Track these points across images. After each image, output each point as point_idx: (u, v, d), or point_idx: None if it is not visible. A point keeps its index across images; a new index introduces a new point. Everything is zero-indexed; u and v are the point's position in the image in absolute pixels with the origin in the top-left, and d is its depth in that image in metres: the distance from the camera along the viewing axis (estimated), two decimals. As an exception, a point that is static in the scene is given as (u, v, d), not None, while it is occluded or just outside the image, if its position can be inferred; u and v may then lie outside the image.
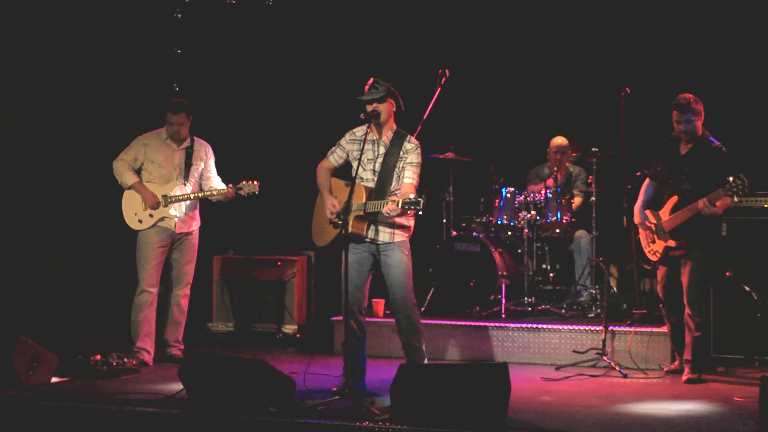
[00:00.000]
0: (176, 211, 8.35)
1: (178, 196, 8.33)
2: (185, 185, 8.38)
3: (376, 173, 7.21)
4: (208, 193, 8.38)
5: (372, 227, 7.19)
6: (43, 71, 10.74)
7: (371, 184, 7.21)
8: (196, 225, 8.53)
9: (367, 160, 7.24)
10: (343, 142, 7.39)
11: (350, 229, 6.95)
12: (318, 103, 10.74)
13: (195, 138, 8.54)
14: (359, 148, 7.21)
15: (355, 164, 7.22)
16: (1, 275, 10.48)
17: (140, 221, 8.34)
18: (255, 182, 8.32)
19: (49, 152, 10.88)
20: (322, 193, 7.41)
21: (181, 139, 8.40)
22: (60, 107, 10.85)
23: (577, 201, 9.78)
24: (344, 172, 7.45)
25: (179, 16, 10.29)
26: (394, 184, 7.20)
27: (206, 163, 8.52)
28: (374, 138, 7.26)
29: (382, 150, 7.24)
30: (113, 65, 10.78)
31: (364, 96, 7.16)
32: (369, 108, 7.15)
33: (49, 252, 10.88)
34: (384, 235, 7.19)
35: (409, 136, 7.29)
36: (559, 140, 9.97)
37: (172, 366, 7.82)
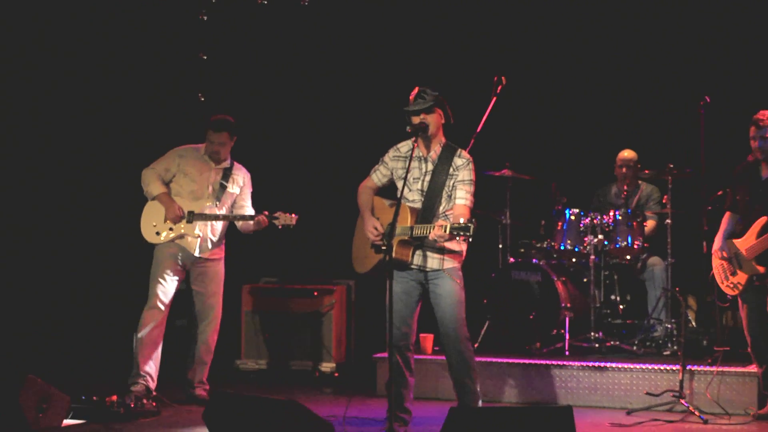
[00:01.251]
0: (200, 231, 8.35)
1: (206, 214, 8.33)
2: (215, 207, 8.39)
3: (424, 193, 7.16)
4: (239, 216, 8.38)
5: (419, 252, 7.14)
6: (53, 78, 10.85)
7: (418, 205, 7.16)
8: (220, 253, 8.52)
9: (413, 179, 7.19)
10: (386, 158, 7.35)
11: (394, 255, 6.91)
12: (358, 116, 10.76)
13: (235, 162, 8.57)
14: (404, 166, 7.17)
15: (399, 184, 7.20)
16: (7, 306, 10.54)
17: (157, 233, 8.35)
18: (293, 215, 8.35)
19: (60, 177, 10.97)
20: (363, 214, 7.37)
21: (219, 160, 8.43)
22: (78, 122, 10.96)
23: (650, 224, 9.68)
24: (388, 191, 7.42)
25: (205, 18, 10.32)
26: (443, 204, 7.14)
27: (243, 190, 8.55)
28: (421, 154, 7.21)
29: (429, 167, 7.19)
30: (133, 73, 10.86)
31: (410, 107, 7.13)
32: (415, 120, 7.11)
33: (59, 280, 10.95)
34: (432, 261, 7.13)
35: (459, 150, 7.24)
36: (626, 153, 9.89)
37: (196, 408, 7.81)
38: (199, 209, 8.34)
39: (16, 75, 10.63)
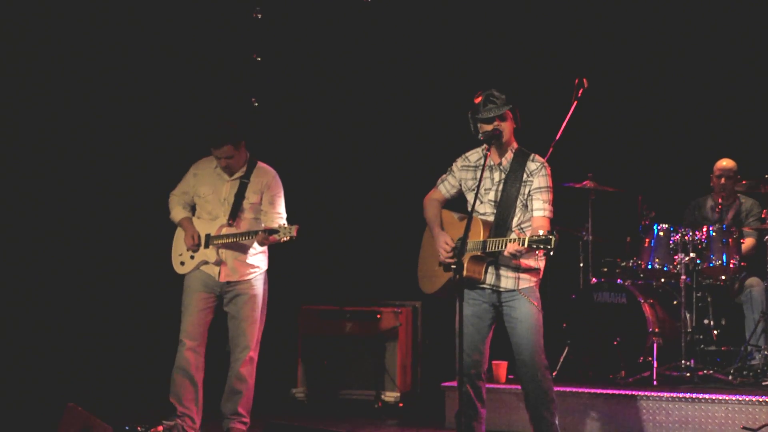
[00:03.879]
0: (221, 255, 8.31)
1: (222, 235, 8.28)
2: (231, 224, 8.33)
3: (496, 204, 7.14)
4: (249, 233, 8.23)
5: (491, 270, 7.11)
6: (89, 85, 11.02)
7: (490, 218, 7.13)
8: (254, 272, 8.42)
9: (485, 189, 7.16)
10: (454, 168, 7.34)
11: (465, 273, 6.91)
12: (421, 125, 10.79)
13: (259, 164, 8.48)
14: (474, 177, 7.15)
15: (470, 195, 7.18)
16: (49, 330, 10.69)
17: (182, 263, 8.41)
18: (294, 227, 8.09)
19: (114, 200, 11.13)
20: (431, 228, 7.36)
21: (234, 172, 8.40)
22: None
23: (748, 242, 9.61)
24: (456, 204, 7.41)
25: (259, 16, 10.41)
26: (518, 216, 7.10)
27: (265, 194, 8.39)
28: (492, 163, 7.19)
29: (501, 176, 7.15)
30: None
31: (481, 114, 7.09)
32: (488, 127, 7.10)
33: (104, 304, 11.07)
34: (507, 280, 7.12)
35: (533, 154, 7.18)
36: (725, 162, 9.83)
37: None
38: (215, 231, 8.32)
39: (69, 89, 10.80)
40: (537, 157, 7.18)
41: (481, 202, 7.15)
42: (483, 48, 10.64)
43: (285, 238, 8.08)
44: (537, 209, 7.08)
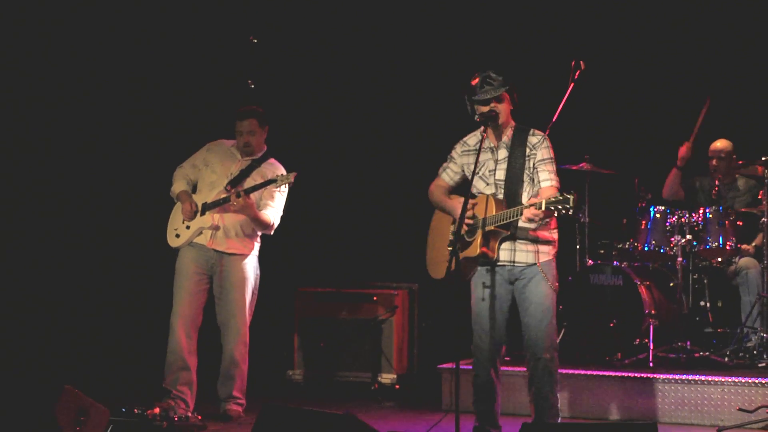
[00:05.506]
0: (215, 221, 8.31)
1: (216, 200, 8.30)
2: (230, 190, 8.29)
3: (503, 182, 7.08)
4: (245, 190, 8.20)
5: (507, 246, 7.03)
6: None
7: (500, 196, 7.07)
8: (243, 249, 8.42)
9: (489, 171, 7.14)
10: (454, 155, 7.33)
11: (480, 250, 6.88)
12: (420, 109, 10.77)
13: (272, 159, 8.56)
14: (475, 161, 7.12)
15: (475, 180, 7.14)
16: (45, 313, 10.70)
17: (177, 236, 8.44)
18: (291, 173, 8.13)
19: (105, 183, 11.13)
20: (443, 203, 7.25)
21: (250, 153, 8.46)
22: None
23: (759, 238, 9.47)
24: (461, 190, 7.34)
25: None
26: (527, 190, 7.07)
27: (269, 186, 8.37)
28: (491, 145, 7.18)
29: (504, 154, 7.14)
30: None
31: (477, 95, 7.08)
32: (484, 109, 7.08)
33: (98, 286, 11.07)
34: (524, 255, 7.04)
35: (532, 129, 7.18)
36: (718, 143, 9.82)
37: (247, 423, 7.88)
38: (212, 198, 8.35)
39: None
40: (536, 131, 7.17)
41: (487, 184, 7.12)
42: (481, 29, 10.63)
43: (283, 185, 8.19)
44: (545, 180, 7.05)
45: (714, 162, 9.81)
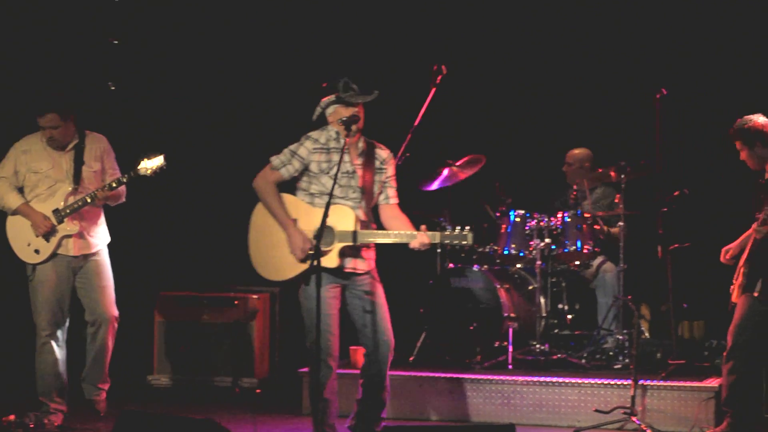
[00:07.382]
0: (75, 226, 8.05)
1: (71, 205, 8.01)
2: (76, 191, 8.06)
3: (356, 190, 7.13)
4: (106, 187, 7.98)
5: (349, 255, 7.12)
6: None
7: (350, 203, 7.11)
8: (101, 243, 8.25)
9: (342, 173, 7.09)
10: (302, 151, 7.13)
11: (336, 264, 6.98)
12: (261, 103, 10.72)
13: (87, 133, 8.22)
14: (328, 159, 7.09)
15: (325, 179, 7.07)
16: None
17: (37, 251, 8.05)
18: (160, 156, 7.97)
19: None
20: (282, 223, 7.14)
21: (62, 146, 8.11)
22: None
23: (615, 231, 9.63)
24: (285, 185, 7.28)
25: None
26: (374, 202, 7.23)
27: (106, 160, 8.20)
28: (347, 150, 7.15)
29: (359, 161, 7.19)
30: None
31: (352, 98, 7.03)
32: (346, 112, 7.06)
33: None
34: (363, 263, 7.17)
35: (375, 142, 7.29)
36: (575, 151, 10.01)
37: (103, 426, 7.79)
38: (62, 204, 8.03)
39: None
40: (381, 145, 7.30)
41: (340, 186, 7.10)
42: (331, 35, 10.61)
43: (153, 167, 7.93)
44: (392, 197, 7.25)
45: (563, 168, 9.99)
